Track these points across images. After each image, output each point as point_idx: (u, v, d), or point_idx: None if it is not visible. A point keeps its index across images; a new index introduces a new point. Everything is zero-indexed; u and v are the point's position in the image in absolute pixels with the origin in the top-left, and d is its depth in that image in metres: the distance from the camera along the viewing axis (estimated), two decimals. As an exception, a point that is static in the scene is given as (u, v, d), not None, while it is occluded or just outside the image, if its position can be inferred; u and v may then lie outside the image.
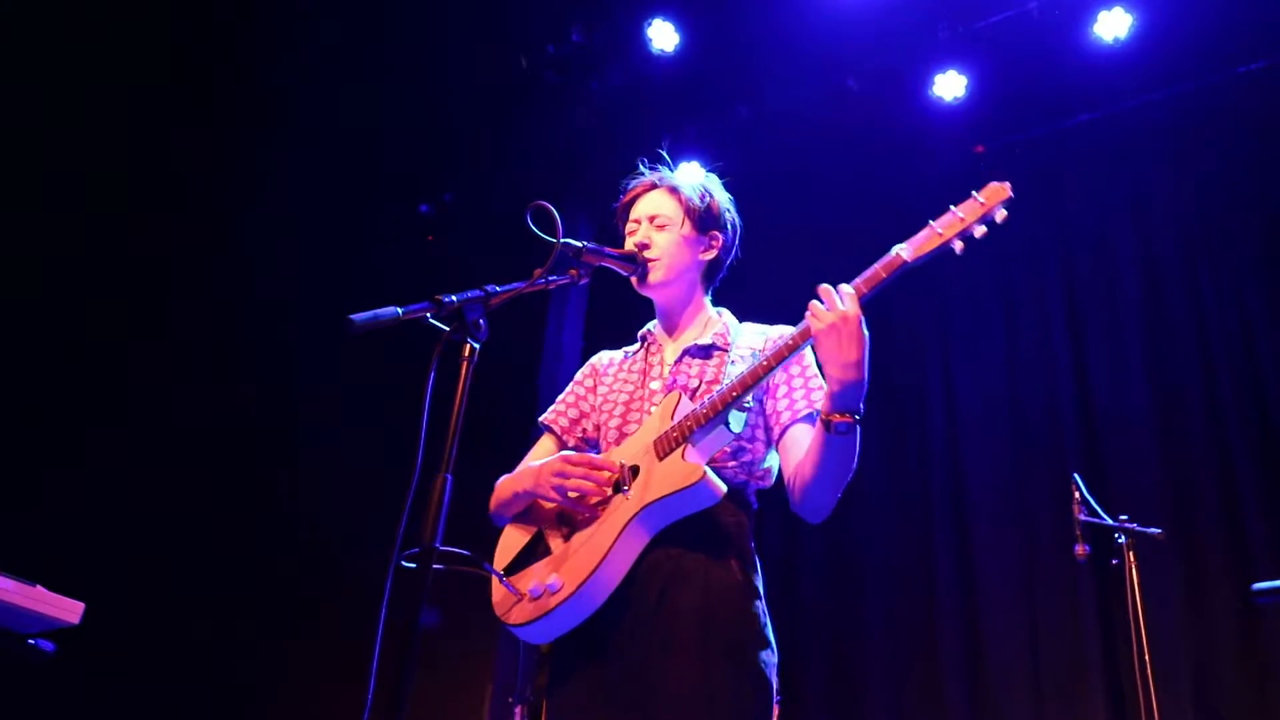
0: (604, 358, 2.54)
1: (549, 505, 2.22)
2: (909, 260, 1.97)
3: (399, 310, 1.79)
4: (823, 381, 2.12)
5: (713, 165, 6.91)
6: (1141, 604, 3.72)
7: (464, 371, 1.81)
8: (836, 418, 1.95)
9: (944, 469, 5.64)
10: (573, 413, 2.45)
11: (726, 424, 2.05)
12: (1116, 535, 3.84)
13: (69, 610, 2.93)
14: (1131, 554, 3.80)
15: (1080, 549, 3.85)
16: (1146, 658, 3.62)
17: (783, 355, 2.03)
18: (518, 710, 4.57)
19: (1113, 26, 5.29)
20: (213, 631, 5.36)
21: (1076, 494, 3.94)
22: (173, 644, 5.22)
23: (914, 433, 5.83)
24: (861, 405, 1.96)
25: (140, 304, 5.56)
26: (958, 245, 1.98)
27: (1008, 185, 1.99)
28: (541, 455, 2.35)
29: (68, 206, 5.38)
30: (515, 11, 5.85)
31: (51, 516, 4.93)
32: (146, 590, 5.10)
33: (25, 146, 5.16)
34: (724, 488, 2.04)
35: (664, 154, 2.54)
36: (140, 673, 5.06)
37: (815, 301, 1.95)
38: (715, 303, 2.49)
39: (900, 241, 1.99)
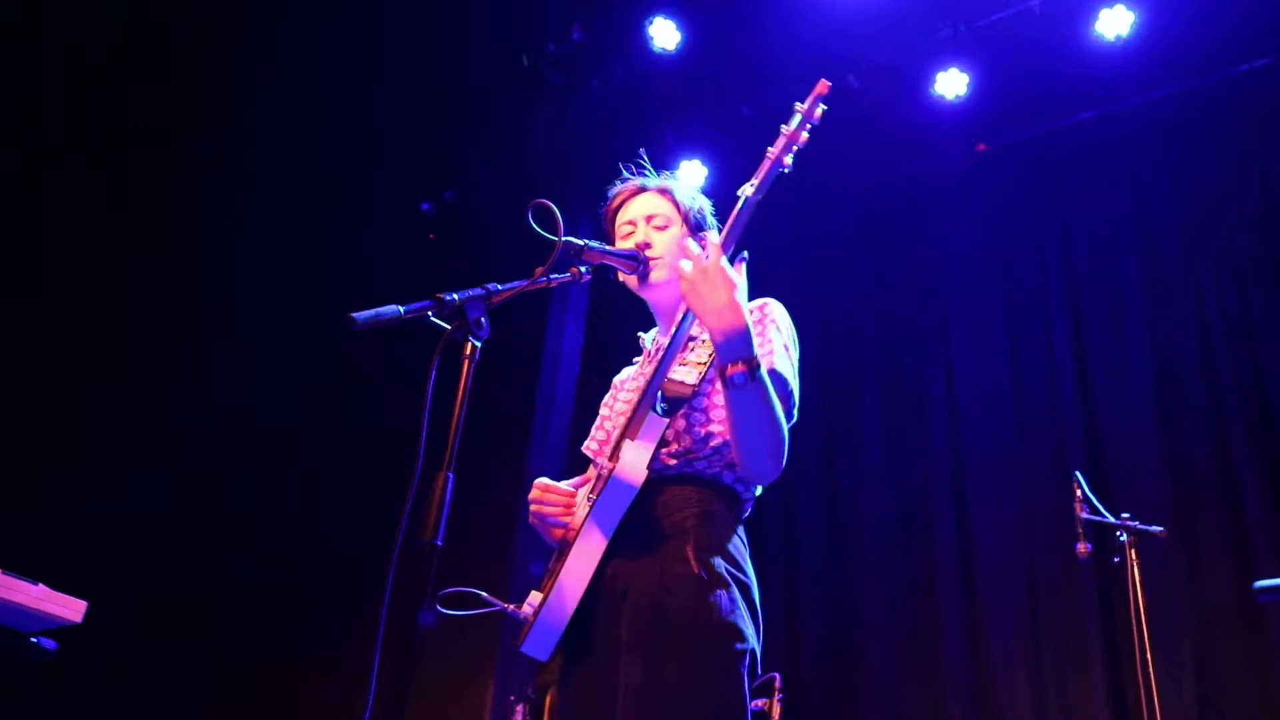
0: (622, 374, 2.57)
1: (556, 531, 2.27)
2: (750, 194, 2.04)
3: (400, 308, 1.78)
4: (771, 348, 2.14)
5: (714, 163, 6.92)
6: (1143, 602, 3.71)
7: (465, 370, 1.81)
8: (729, 369, 1.92)
9: (946, 467, 5.63)
10: (600, 434, 2.47)
11: (653, 408, 2.07)
12: (1118, 533, 3.84)
13: (71, 608, 2.93)
14: (1133, 552, 3.79)
15: (1082, 547, 3.85)
16: (1148, 655, 3.62)
17: (678, 323, 2.07)
18: (519, 709, 4.58)
19: (1114, 24, 5.28)
20: (213, 631, 5.36)
21: (1078, 492, 3.94)
22: (172, 644, 5.22)
23: (915, 430, 5.82)
24: (753, 352, 1.93)
25: (140, 303, 5.56)
26: (787, 160, 2.05)
27: (823, 80, 2.07)
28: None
29: (69, 207, 5.38)
30: (517, 10, 5.85)
31: (53, 516, 4.93)
32: (147, 590, 5.10)
33: (23, 145, 5.16)
34: (637, 477, 2.02)
35: (645, 159, 2.53)
36: (140, 672, 5.06)
37: (681, 261, 1.98)
38: None
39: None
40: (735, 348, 1.92)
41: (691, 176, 6.13)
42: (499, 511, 5.46)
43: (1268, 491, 4.73)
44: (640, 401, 2.09)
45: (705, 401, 2.17)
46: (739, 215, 2.04)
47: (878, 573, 5.62)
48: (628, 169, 2.52)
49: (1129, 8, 5.25)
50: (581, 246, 2.15)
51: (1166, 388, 5.17)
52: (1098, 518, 3.91)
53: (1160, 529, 3.83)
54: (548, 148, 6.14)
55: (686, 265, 1.94)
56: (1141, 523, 3.83)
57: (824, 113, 2.07)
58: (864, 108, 5.74)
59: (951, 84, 5.68)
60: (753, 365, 1.92)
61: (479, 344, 1.84)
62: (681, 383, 2.04)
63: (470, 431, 1.77)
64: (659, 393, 2.06)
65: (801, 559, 5.86)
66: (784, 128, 2.07)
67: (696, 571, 2.03)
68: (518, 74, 6.04)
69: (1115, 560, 3.83)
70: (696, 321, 2.01)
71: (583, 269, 2.16)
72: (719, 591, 2.03)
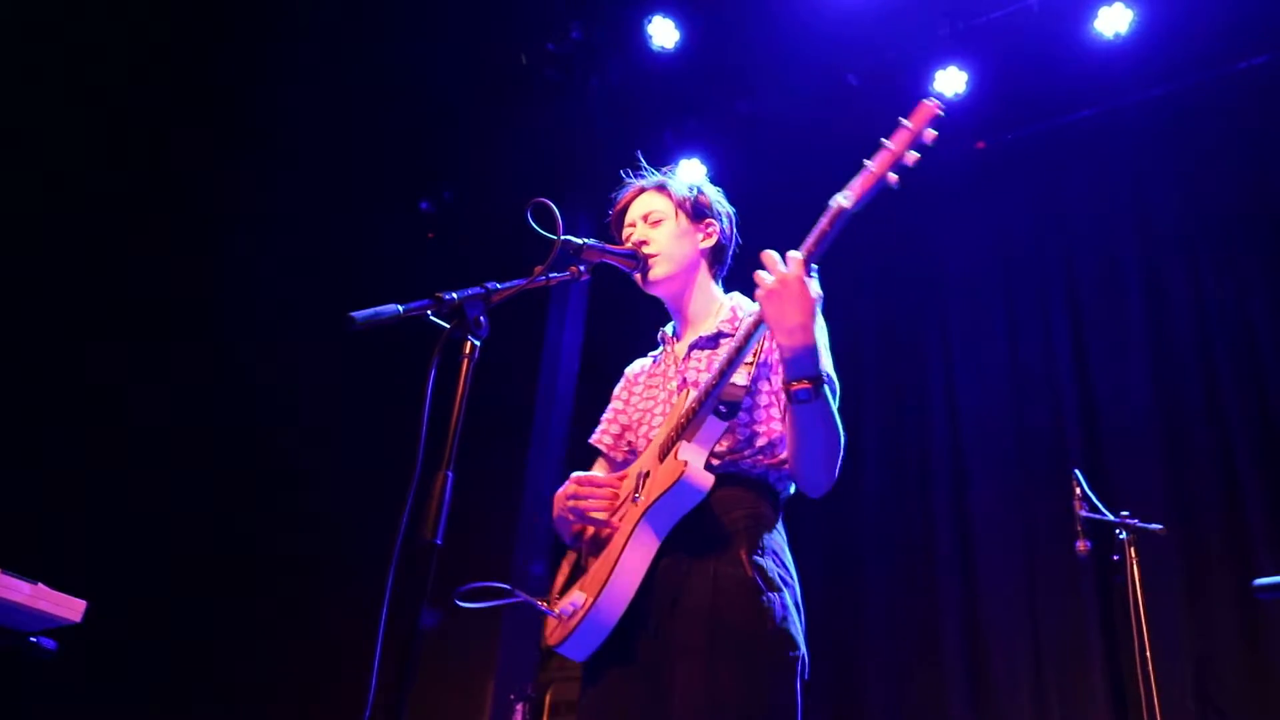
0: (635, 366, 2.54)
1: (583, 527, 2.23)
2: (848, 206, 1.98)
3: (399, 308, 1.78)
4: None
5: (713, 161, 6.91)
6: (1142, 599, 3.71)
7: (465, 369, 1.81)
8: (794, 385, 1.91)
9: (946, 465, 5.63)
10: (614, 429, 2.45)
11: (715, 413, 2.04)
12: (1118, 531, 3.84)
13: (71, 608, 2.92)
14: (1133, 550, 3.79)
15: (1081, 545, 3.84)
16: (1148, 653, 3.62)
17: (749, 332, 2.01)
18: (519, 708, 4.58)
19: (1113, 22, 5.29)
20: (213, 631, 5.36)
21: (1078, 490, 3.94)
22: (173, 644, 5.22)
23: (915, 429, 5.81)
24: (821, 370, 1.92)
25: (140, 304, 5.56)
26: (891, 178, 1.99)
27: (935, 101, 2.01)
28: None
29: (69, 207, 5.38)
30: (516, 9, 5.85)
31: (52, 515, 4.93)
32: (147, 590, 5.10)
33: (23, 147, 5.16)
34: (708, 481, 2.01)
35: (642, 160, 2.52)
36: (140, 672, 5.06)
37: (760, 271, 1.94)
38: (727, 290, 2.48)
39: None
40: (803, 365, 1.91)
41: (690, 175, 6.12)
42: (499, 511, 5.46)
43: (1267, 489, 4.73)
44: (702, 404, 2.05)
45: (750, 401, 2.14)
46: (833, 227, 1.96)
47: (877, 571, 5.61)
48: (627, 173, 2.52)
49: (1128, 5, 5.25)
50: (580, 245, 2.15)
51: (1166, 384, 5.17)
52: (1097, 516, 3.90)
53: (1160, 527, 3.83)
54: (547, 147, 6.14)
55: (766, 276, 1.91)
56: (1141, 521, 3.83)
57: (934, 138, 2.00)
58: (863, 106, 5.73)
59: (950, 82, 5.68)
60: (818, 383, 1.91)
61: (478, 343, 1.84)
62: (735, 385, 2.04)
63: (470, 431, 1.77)
64: (715, 398, 2.03)
65: (801, 557, 5.84)
66: (886, 142, 1.99)
67: (750, 575, 2.02)
68: (517, 74, 6.04)
69: (1115, 558, 3.83)
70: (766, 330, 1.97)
71: (581, 268, 2.16)
72: (771, 595, 2.03)
